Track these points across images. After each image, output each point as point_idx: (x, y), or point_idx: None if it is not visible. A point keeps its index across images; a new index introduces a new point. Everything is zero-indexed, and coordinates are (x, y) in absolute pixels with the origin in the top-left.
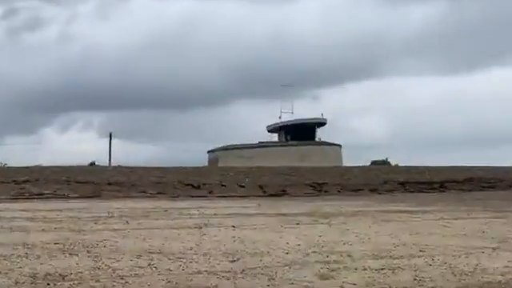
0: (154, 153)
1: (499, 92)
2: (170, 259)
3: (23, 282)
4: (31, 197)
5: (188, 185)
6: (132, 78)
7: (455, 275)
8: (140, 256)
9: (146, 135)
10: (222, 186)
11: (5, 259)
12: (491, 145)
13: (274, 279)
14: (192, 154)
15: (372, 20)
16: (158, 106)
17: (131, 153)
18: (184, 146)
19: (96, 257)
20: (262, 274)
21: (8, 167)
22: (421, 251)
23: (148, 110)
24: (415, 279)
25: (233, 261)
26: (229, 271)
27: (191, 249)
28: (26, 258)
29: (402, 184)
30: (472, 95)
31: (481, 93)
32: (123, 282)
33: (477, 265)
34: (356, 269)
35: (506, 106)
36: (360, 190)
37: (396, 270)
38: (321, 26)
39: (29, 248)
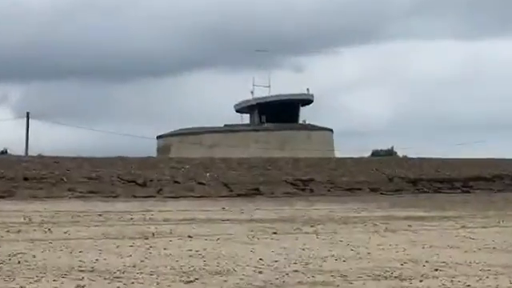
0: (86, 138)
1: None
2: (105, 279)
3: None
4: None
5: (130, 181)
6: (57, 43)
7: None
8: (66, 275)
9: (76, 115)
10: (176, 182)
11: None
12: None
13: None
14: (136, 140)
15: None
16: (92, 76)
17: (56, 138)
18: (125, 130)
19: (8, 276)
20: None
21: None
22: (436, 270)
23: (78, 82)
24: None
25: (189, 281)
26: None
27: (134, 266)
28: None
29: (413, 182)
30: (502, 64)
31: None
32: None
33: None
34: None
35: None
36: (357, 189)
37: None
38: None
39: None
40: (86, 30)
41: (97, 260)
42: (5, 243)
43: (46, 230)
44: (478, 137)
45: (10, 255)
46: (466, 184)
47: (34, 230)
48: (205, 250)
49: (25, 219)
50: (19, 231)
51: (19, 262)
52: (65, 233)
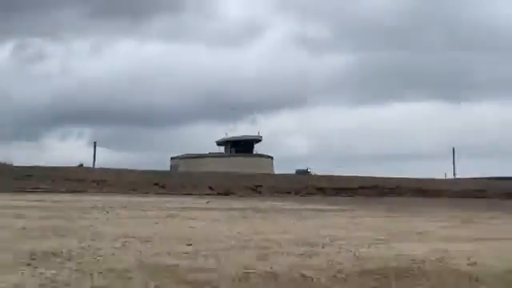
0: (130, 159)
1: (399, 121)
2: (140, 242)
3: (22, 258)
4: (31, 190)
5: (155, 184)
6: (115, 102)
7: (359, 260)
8: (117, 239)
9: (124, 145)
10: (187, 187)
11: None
12: (394, 159)
13: (219, 260)
14: (156, 160)
15: (301, 64)
16: (134, 122)
17: (112, 158)
18: (154, 155)
19: (81, 239)
20: (212, 255)
21: (15, 166)
22: (333, 241)
23: (126, 126)
24: (328, 263)
25: (189, 245)
26: (187, 253)
27: (156, 234)
28: (27, 237)
29: (320, 189)
30: (377, 122)
31: (383, 120)
32: (102, 258)
33: (376, 252)
34: (283, 253)
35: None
36: (286, 192)
37: (313, 256)
38: (261, 66)
39: (26, 230)
40: (131, 96)
41: (135, 230)
42: (80, 220)
43: (105, 212)
44: (362, 163)
45: (83, 226)
46: (353, 191)
47: (98, 212)
48: (199, 226)
49: (92, 206)
50: (89, 213)
51: (89, 231)
52: (117, 214)
